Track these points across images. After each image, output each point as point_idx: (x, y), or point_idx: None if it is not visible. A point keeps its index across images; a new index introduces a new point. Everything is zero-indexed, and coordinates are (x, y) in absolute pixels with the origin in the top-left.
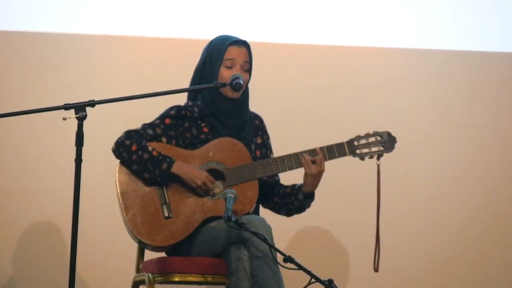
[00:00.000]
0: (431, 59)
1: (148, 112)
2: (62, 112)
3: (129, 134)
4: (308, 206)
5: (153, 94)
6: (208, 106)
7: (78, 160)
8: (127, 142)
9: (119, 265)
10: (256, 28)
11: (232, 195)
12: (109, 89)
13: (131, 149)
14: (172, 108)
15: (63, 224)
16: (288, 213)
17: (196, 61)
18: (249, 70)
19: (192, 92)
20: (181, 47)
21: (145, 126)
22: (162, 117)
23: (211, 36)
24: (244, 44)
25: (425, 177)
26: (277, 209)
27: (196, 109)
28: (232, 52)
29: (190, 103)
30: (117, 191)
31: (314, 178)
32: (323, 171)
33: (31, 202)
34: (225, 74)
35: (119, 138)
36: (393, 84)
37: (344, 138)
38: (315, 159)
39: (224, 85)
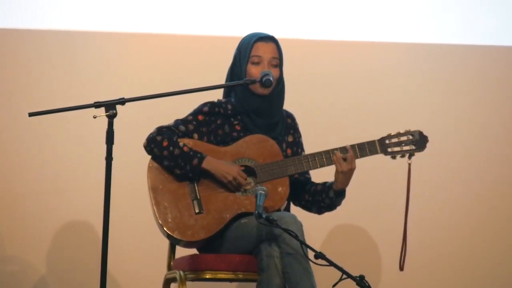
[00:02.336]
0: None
1: (177, 109)
2: (92, 110)
3: (160, 130)
4: (339, 204)
5: (182, 91)
6: (240, 103)
7: (109, 158)
8: (159, 138)
9: (150, 262)
10: (282, 24)
11: (263, 192)
12: (138, 87)
13: (162, 145)
14: (205, 104)
15: (94, 222)
16: (319, 211)
17: (226, 57)
18: (279, 66)
19: (226, 90)
20: (210, 45)
21: (178, 122)
22: (195, 113)
23: (242, 33)
24: (271, 39)
25: (451, 176)
26: (308, 207)
27: (229, 106)
28: (259, 49)
29: (223, 100)
30: (148, 186)
31: (345, 176)
32: (354, 168)
33: (62, 200)
34: (253, 71)
35: (150, 134)
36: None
37: (372, 136)
38: (346, 157)
39: (254, 81)
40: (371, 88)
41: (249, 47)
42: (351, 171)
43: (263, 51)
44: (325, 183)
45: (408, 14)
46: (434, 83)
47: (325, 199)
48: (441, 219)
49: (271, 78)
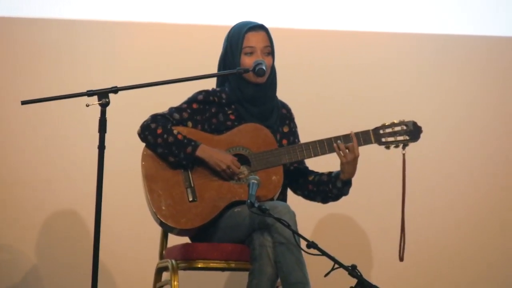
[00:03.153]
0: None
1: (170, 98)
2: (85, 99)
3: (155, 117)
4: (347, 193)
5: (175, 80)
6: (234, 92)
7: (101, 147)
8: (153, 125)
9: (142, 252)
10: (279, 14)
11: (256, 181)
12: (131, 76)
13: (156, 132)
14: (200, 92)
15: (86, 211)
16: (325, 201)
17: (218, 47)
18: (271, 53)
19: (220, 80)
20: (203, 33)
21: (172, 110)
22: (190, 101)
23: (233, 21)
24: (261, 28)
25: (450, 166)
26: (312, 197)
27: (223, 95)
28: (251, 39)
29: (218, 89)
30: (142, 174)
31: (350, 165)
32: (358, 156)
33: (54, 189)
34: (247, 62)
35: (144, 121)
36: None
37: (367, 126)
38: (348, 146)
39: (247, 71)
40: (367, 79)
41: (240, 38)
42: (355, 160)
43: (255, 41)
44: (330, 173)
45: (408, 4)
46: (432, 74)
47: (333, 189)
48: (437, 209)
49: (264, 67)
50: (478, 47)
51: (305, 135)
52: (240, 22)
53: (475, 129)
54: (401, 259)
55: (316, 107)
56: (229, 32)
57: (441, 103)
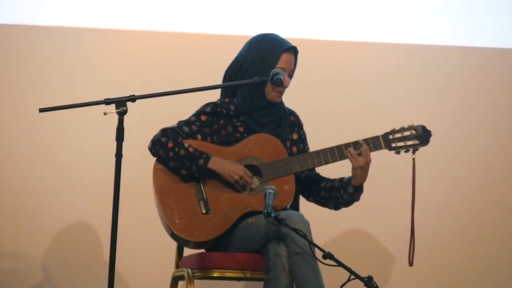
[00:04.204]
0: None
1: (187, 107)
2: (102, 107)
3: (165, 131)
4: (358, 199)
5: (193, 89)
6: (245, 102)
7: (119, 155)
8: (163, 139)
9: (158, 260)
10: (287, 24)
11: (272, 191)
12: (147, 85)
13: (168, 146)
14: (207, 105)
15: (103, 219)
16: (337, 207)
17: (229, 56)
18: (292, 75)
19: (227, 89)
20: (221, 43)
21: (181, 124)
22: (198, 114)
23: (247, 31)
24: (295, 51)
25: (458, 171)
26: (324, 203)
27: (232, 107)
28: (285, 60)
29: (226, 100)
30: (154, 188)
31: (362, 170)
32: (370, 161)
33: (72, 197)
34: None
35: (155, 136)
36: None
37: (368, 135)
38: (360, 151)
39: (264, 80)
40: (374, 88)
41: (276, 56)
42: (367, 165)
43: (288, 63)
44: (342, 178)
45: (414, 16)
46: (438, 84)
47: (344, 195)
48: (447, 214)
49: (282, 78)
50: (491, 58)
51: (314, 143)
52: (273, 37)
53: (484, 134)
54: (411, 263)
55: (323, 116)
56: (259, 43)
57: (451, 109)
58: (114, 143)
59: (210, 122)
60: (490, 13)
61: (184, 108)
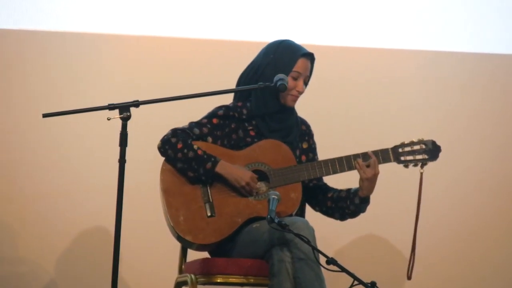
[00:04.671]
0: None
1: (191, 112)
2: (106, 112)
3: (175, 132)
4: (364, 210)
5: (197, 95)
6: (258, 107)
7: (122, 160)
8: (173, 140)
9: (161, 266)
10: (296, 30)
11: (276, 197)
12: (151, 90)
13: (177, 147)
14: (220, 107)
15: (106, 224)
16: (343, 217)
17: (239, 61)
18: (307, 82)
19: (240, 93)
20: (225, 48)
21: (192, 125)
22: (210, 116)
23: (254, 37)
24: (311, 57)
25: (463, 186)
26: (330, 213)
27: (244, 111)
28: (301, 65)
29: (239, 104)
30: (161, 188)
31: (370, 182)
32: (378, 173)
33: (75, 202)
34: (290, 84)
35: (165, 136)
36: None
37: (383, 142)
38: (369, 163)
39: (268, 86)
40: (383, 95)
41: (292, 61)
42: (375, 177)
43: (304, 68)
44: (349, 189)
45: (424, 22)
46: (447, 91)
47: (350, 205)
48: (451, 228)
49: (285, 83)
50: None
51: (323, 152)
52: (290, 42)
53: (490, 146)
54: (409, 277)
55: (332, 124)
56: (276, 47)
57: (457, 118)
58: (116, 147)
59: (222, 125)
60: (506, 19)
61: (188, 114)
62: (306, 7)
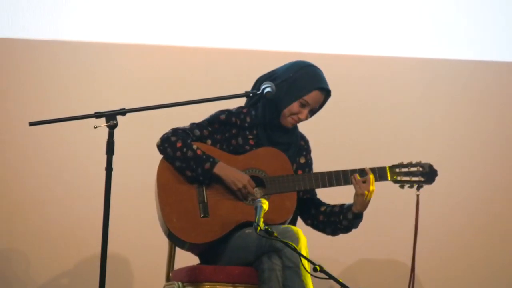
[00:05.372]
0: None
1: (179, 120)
2: (93, 121)
3: (175, 131)
4: (356, 226)
5: (183, 103)
6: (263, 115)
7: (109, 169)
8: (173, 138)
9: (149, 274)
10: (296, 38)
11: (262, 205)
12: (138, 98)
13: (176, 146)
14: (222, 112)
15: (93, 232)
16: (334, 232)
17: (227, 71)
18: (315, 113)
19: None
20: (212, 57)
21: (193, 126)
22: (211, 119)
23: (244, 45)
24: (328, 93)
25: (460, 206)
26: (321, 228)
27: (248, 119)
28: (313, 97)
29: (244, 110)
30: (156, 184)
31: (364, 197)
32: (373, 190)
33: (61, 210)
34: (294, 108)
35: (165, 134)
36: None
37: (380, 156)
38: (365, 179)
39: (255, 94)
40: (383, 102)
41: (306, 90)
42: (370, 193)
43: (315, 101)
44: (342, 205)
45: (423, 29)
46: (448, 98)
47: (343, 220)
48: (448, 246)
49: (271, 90)
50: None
51: (320, 164)
52: (314, 70)
53: (489, 151)
54: None
55: (328, 138)
56: (299, 68)
57: (456, 138)
58: (105, 156)
59: (222, 130)
60: (507, 27)
61: (176, 122)
62: (305, 15)
